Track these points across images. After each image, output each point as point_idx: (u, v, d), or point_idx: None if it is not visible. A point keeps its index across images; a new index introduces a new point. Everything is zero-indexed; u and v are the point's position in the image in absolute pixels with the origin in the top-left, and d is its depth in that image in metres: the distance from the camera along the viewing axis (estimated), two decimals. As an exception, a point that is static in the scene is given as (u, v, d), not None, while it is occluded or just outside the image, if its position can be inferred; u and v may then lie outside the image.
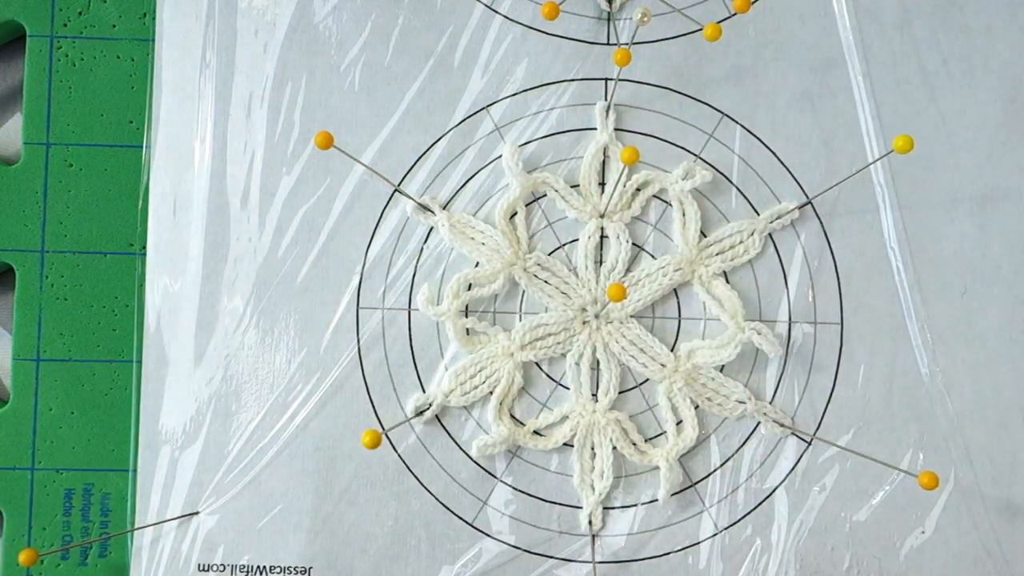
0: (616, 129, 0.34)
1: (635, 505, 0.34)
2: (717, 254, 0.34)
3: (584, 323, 0.34)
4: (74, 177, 0.35)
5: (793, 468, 0.34)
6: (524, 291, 0.34)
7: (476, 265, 0.34)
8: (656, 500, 0.33)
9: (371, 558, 0.33)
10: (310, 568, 0.33)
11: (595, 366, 0.34)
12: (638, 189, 0.34)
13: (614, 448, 0.33)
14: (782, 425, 0.34)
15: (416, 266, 0.34)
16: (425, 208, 0.34)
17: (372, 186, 0.34)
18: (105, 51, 0.35)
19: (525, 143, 0.35)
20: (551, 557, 0.34)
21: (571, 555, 0.34)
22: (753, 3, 0.34)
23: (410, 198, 0.34)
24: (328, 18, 0.35)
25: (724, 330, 0.34)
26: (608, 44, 0.35)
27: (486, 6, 0.35)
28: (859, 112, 0.35)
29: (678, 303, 0.34)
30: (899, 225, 0.34)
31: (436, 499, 0.34)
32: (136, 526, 0.34)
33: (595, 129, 0.34)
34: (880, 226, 0.34)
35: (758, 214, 0.34)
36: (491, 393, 0.34)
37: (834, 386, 0.34)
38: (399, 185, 0.34)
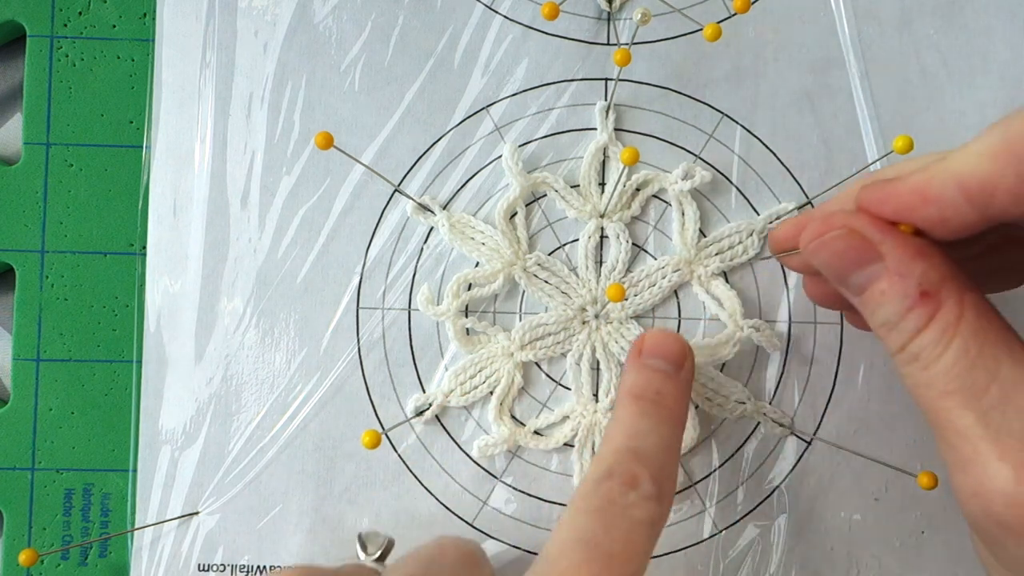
0: (616, 129, 0.34)
1: (635, 505, 0.34)
2: (716, 254, 0.34)
3: (584, 323, 0.34)
4: (74, 177, 0.35)
5: (793, 468, 0.34)
6: (524, 291, 0.34)
7: (476, 265, 0.34)
8: (656, 500, 0.33)
9: (371, 558, 0.33)
10: (310, 568, 0.33)
11: (595, 366, 0.34)
12: (638, 189, 0.34)
13: (614, 448, 0.33)
14: (782, 425, 0.34)
15: (416, 266, 0.34)
16: (425, 208, 0.34)
17: (372, 186, 0.34)
18: (105, 51, 0.35)
19: (525, 143, 0.35)
20: (551, 557, 0.34)
21: (571, 555, 0.34)
22: (753, 3, 0.34)
23: (410, 198, 0.34)
24: (328, 18, 0.35)
25: (723, 330, 0.34)
26: (608, 44, 0.35)
27: (486, 6, 0.35)
28: (859, 112, 0.35)
29: (678, 303, 0.34)
30: (899, 225, 0.34)
31: (436, 499, 0.34)
32: (136, 526, 0.34)
33: (595, 129, 0.34)
34: (880, 226, 0.34)
35: (758, 214, 0.34)
36: (491, 393, 0.34)
37: (834, 386, 0.34)
38: (399, 185, 0.34)
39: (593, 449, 0.34)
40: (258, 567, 0.33)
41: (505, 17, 0.35)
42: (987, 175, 0.23)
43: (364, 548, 0.30)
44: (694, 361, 0.31)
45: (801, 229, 0.27)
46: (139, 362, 0.34)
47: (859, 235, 0.26)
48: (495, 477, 0.34)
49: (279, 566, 0.33)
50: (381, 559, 0.30)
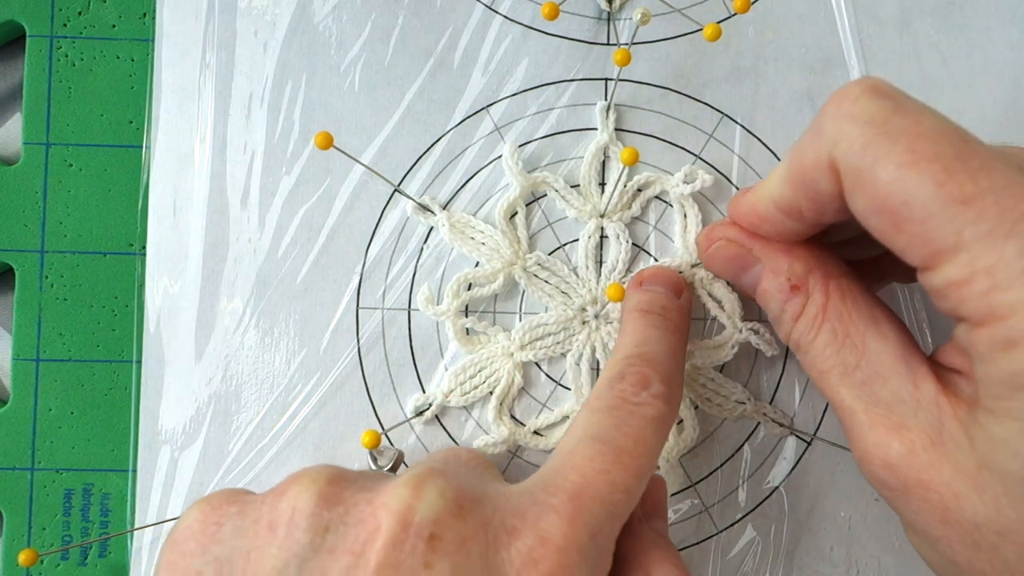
0: (616, 129, 0.34)
1: (635, 505, 0.34)
2: (717, 254, 0.34)
3: (584, 323, 0.34)
4: (74, 177, 0.35)
5: (793, 468, 0.34)
6: (524, 291, 0.34)
7: (476, 265, 0.34)
8: (656, 500, 0.34)
9: (371, 558, 0.33)
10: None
11: (595, 366, 0.34)
12: (639, 190, 0.34)
13: (614, 448, 0.33)
14: (782, 425, 0.34)
15: (416, 266, 0.34)
16: (425, 208, 0.34)
17: (372, 186, 0.34)
18: (105, 51, 0.35)
19: (525, 143, 0.35)
20: (551, 557, 0.33)
21: (571, 555, 0.34)
22: (753, 3, 0.34)
23: (410, 198, 0.34)
24: (328, 18, 0.35)
25: (722, 331, 0.34)
26: (608, 44, 0.35)
27: (486, 6, 0.35)
28: (859, 112, 0.34)
29: (678, 303, 0.34)
30: (899, 225, 0.34)
31: (436, 499, 0.34)
32: (136, 526, 0.34)
33: (595, 129, 0.34)
34: (880, 226, 0.34)
35: (758, 214, 0.34)
36: (491, 393, 0.34)
37: (834, 386, 0.34)
38: (399, 185, 0.34)
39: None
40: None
41: (505, 17, 0.35)
42: (790, 198, 0.26)
43: (375, 461, 0.31)
44: (691, 294, 0.33)
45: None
46: (139, 362, 0.34)
47: (735, 243, 0.29)
48: (495, 477, 0.34)
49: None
50: (393, 470, 0.31)
